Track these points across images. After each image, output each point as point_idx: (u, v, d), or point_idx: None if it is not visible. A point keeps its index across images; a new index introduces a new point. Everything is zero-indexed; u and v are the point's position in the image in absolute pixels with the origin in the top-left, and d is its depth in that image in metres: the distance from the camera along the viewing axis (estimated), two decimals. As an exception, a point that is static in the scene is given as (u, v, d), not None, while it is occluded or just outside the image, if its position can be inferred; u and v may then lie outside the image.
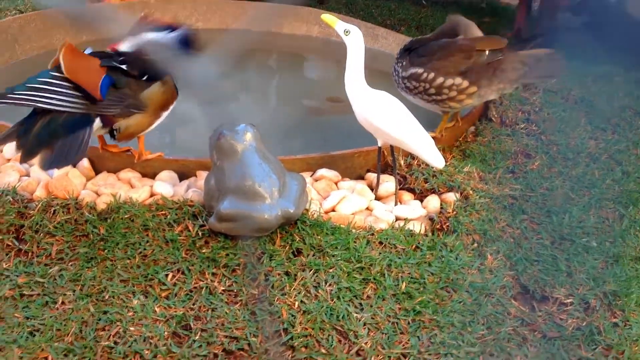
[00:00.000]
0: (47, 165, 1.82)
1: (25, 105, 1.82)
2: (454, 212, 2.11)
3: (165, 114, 2.09)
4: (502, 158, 2.53)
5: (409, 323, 1.73)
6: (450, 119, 2.56)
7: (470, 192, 2.22)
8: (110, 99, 1.90)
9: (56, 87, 1.83)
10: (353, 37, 2.02)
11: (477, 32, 2.51)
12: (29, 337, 1.60)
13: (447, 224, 2.07)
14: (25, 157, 1.81)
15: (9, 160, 2.19)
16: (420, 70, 2.39)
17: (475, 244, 2.03)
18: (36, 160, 1.82)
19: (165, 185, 2.08)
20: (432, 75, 2.37)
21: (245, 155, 1.92)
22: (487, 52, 2.38)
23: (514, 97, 2.95)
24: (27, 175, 2.11)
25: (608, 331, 1.77)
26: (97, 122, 1.91)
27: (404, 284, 1.82)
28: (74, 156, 1.83)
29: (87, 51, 2.00)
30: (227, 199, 1.87)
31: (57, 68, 1.86)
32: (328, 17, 2.08)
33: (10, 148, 2.21)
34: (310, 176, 2.23)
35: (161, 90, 2.04)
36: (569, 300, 1.88)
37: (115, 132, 1.98)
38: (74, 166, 2.13)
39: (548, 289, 1.91)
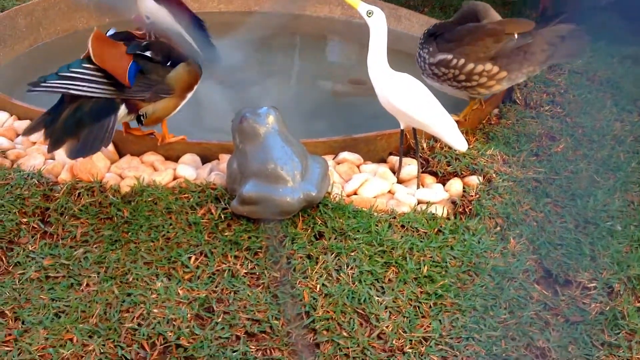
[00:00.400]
0: (73, 155, 1.85)
1: (57, 93, 1.86)
2: (477, 196, 2.10)
3: (189, 95, 2.10)
4: (526, 141, 2.50)
5: (430, 307, 1.73)
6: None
7: (494, 175, 2.21)
8: (139, 85, 1.92)
9: (87, 76, 1.87)
10: (376, 18, 2.00)
11: (495, 15, 2.47)
12: (54, 318, 1.62)
13: (470, 207, 2.07)
14: (53, 147, 1.84)
15: (34, 143, 2.21)
16: (449, 57, 2.36)
17: (498, 228, 2.02)
18: (63, 150, 1.85)
19: (188, 168, 2.10)
20: (462, 61, 2.34)
21: (268, 138, 1.92)
22: (516, 36, 2.34)
23: (539, 79, 2.92)
24: (52, 158, 2.13)
25: (632, 316, 1.76)
26: (123, 109, 1.93)
27: (426, 267, 1.82)
28: (99, 145, 1.86)
29: (111, 32, 2.02)
30: (249, 182, 1.87)
31: (89, 58, 1.89)
32: (351, -2, 2.07)
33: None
34: (333, 159, 2.23)
35: (186, 71, 2.06)
36: (592, 285, 1.86)
37: (142, 117, 2.00)
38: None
39: (571, 273, 1.90)
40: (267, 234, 1.87)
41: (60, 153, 2.10)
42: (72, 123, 1.85)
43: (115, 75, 1.89)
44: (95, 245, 1.83)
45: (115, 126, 1.91)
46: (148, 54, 1.96)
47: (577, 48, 2.45)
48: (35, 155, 2.11)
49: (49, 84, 1.85)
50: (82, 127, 1.85)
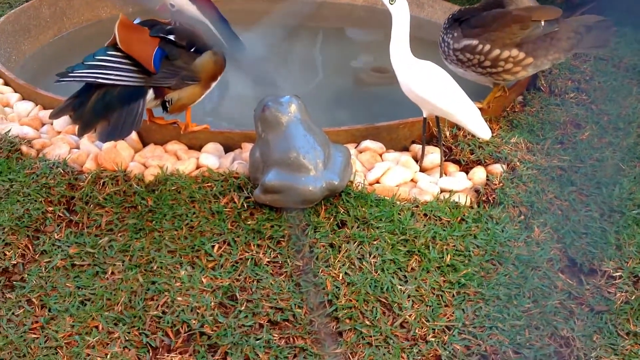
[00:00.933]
0: (104, 138, 1.88)
1: (85, 82, 1.88)
2: (501, 184, 2.09)
3: (214, 84, 2.11)
4: (550, 128, 2.48)
5: (453, 296, 1.73)
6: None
7: (517, 163, 2.19)
8: (164, 71, 1.94)
9: (113, 63, 1.89)
10: (398, 5, 1.99)
11: (522, 1, 2.44)
12: (80, 306, 1.65)
13: (493, 195, 2.05)
14: (83, 130, 1.87)
15: (59, 132, 2.23)
16: (475, 42, 2.34)
17: (522, 216, 2.01)
18: (93, 134, 1.87)
19: (211, 157, 2.10)
20: (487, 47, 2.32)
21: (290, 127, 1.92)
22: (542, 23, 2.32)
23: (564, 66, 2.88)
24: (77, 147, 2.15)
25: (658, 305, 1.74)
26: (150, 94, 1.95)
27: (449, 256, 1.82)
28: (129, 128, 1.88)
29: (136, 21, 2.04)
30: (271, 171, 1.88)
31: (114, 46, 1.91)
32: (373, -14, 2.06)
33: (61, 121, 2.26)
34: (355, 148, 2.23)
35: (212, 60, 2.07)
36: (617, 274, 1.85)
37: (167, 104, 2.02)
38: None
39: (596, 262, 1.88)
40: (289, 223, 1.88)
41: (85, 142, 2.13)
42: (102, 107, 1.86)
43: (141, 61, 1.90)
44: (119, 234, 1.85)
45: (144, 109, 1.93)
46: (172, 37, 1.97)
47: (604, 39, 2.42)
48: (61, 145, 2.13)
49: (76, 74, 1.88)
50: (112, 110, 1.87)
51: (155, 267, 1.75)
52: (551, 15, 2.34)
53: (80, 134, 1.89)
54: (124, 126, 1.87)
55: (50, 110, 2.28)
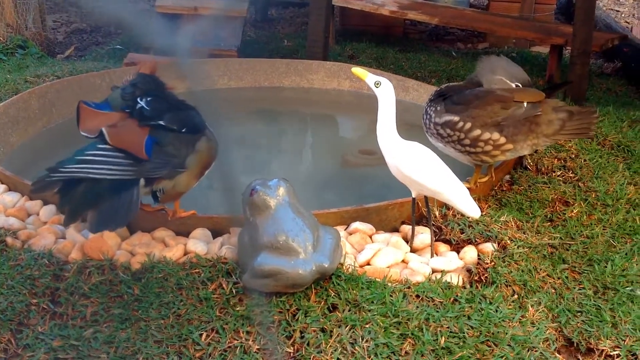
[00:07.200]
0: (96, 228, 1.83)
1: (76, 177, 1.83)
2: (492, 263, 2.07)
3: (207, 172, 2.10)
4: (539, 206, 2.48)
5: (449, 379, 1.68)
6: (485, 171, 2.52)
7: (508, 241, 2.18)
8: (155, 161, 1.91)
9: (104, 157, 1.86)
10: (384, 88, 2.02)
11: (504, 84, 2.43)
12: (64, 401, 1.58)
13: (486, 275, 2.03)
14: (70, 220, 1.83)
15: (45, 223, 2.21)
16: (456, 119, 2.36)
17: (516, 295, 1.98)
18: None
19: (199, 243, 2.08)
20: (468, 125, 2.33)
21: (279, 210, 1.91)
22: (525, 104, 2.33)
23: (549, 145, 2.92)
24: (63, 237, 2.12)
25: (659, 384, 1.70)
26: (142, 182, 1.92)
27: (443, 338, 1.78)
28: (124, 218, 1.84)
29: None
30: (260, 255, 1.85)
31: (102, 139, 1.89)
32: (359, 70, 2.09)
33: (47, 211, 2.24)
34: (345, 230, 2.21)
35: (206, 149, 2.05)
36: (615, 352, 1.81)
37: (157, 193, 1.99)
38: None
39: (593, 340, 1.85)
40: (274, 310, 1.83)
41: (71, 232, 2.11)
42: (92, 197, 1.82)
43: (132, 151, 1.88)
44: (105, 325, 1.80)
45: (139, 198, 1.89)
46: (162, 122, 1.95)
47: (586, 126, 2.38)
48: (46, 235, 2.11)
49: (67, 169, 1.83)
50: (102, 200, 1.82)
51: (141, 359, 1.69)
52: (534, 98, 2.35)
53: (67, 224, 1.86)
54: (117, 215, 1.83)
55: (37, 202, 2.28)
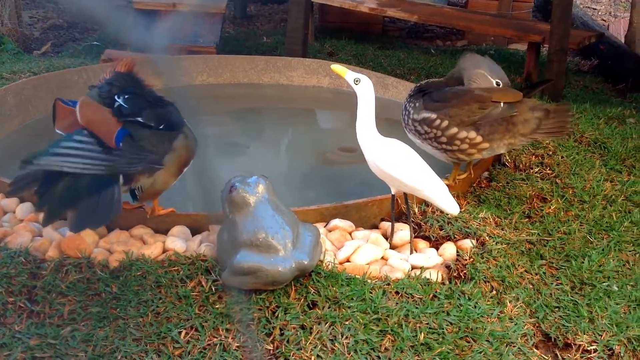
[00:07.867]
0: (76, 227, 1.79)
1: (50, 170, 1.79)
2: (471, 259, 2.08)
3: (186, 169, 2.08)
4: (517, 203, 2.50)
5: (428, 375, 1.69)
6: (464, 168, 2.53)
7: (487, 238, 2.19)
8: (130, 156, 1.88)
9: (78, 150, 1.82)
10: (363, 85, 2.02)
11: (487, 81, 2.44)
12: (41, 400, 1.57)
13: (465, 271, 2.04)
14: (48, 220, 1.79)
15: (21, 220, 2.19)
16: (433, 116, 2.37)
17: (494, 291, 1.99)
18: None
19: (178, 241, 2.07)
20: (445, 123, 2.34)
21: (258, 208, 1.91)
22: (502, 104, 2.34)
23: (526, 144, 2.93)
24: (40, 235, 2.10)
25: (635, 378, 1.72)
26: (120, 179, 1.90)
27: (423, 334, 1.78)
28: (106, 216, 1.81)
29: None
30: (240, 252, 1.84)
31: (79, 131, 1.85)
32: (338, 67, 2.09)
33: (23, 209, 2.22)
34: (324, 227, 2.21)
35: (184, 146, 2.03)
36: (592, 347, 1.83)
37: (136, 192, 1.97)
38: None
39: (570, 335, 1.86)
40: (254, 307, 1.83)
41: (48, 230, 2.08)
42: (71, 195, 1.78)
43: (102, 137, 1.84)
44: (82, 323, 1.78)
45: (120, 195, 1.85)
46: (140, 119, 1.92)
47: (561, 125, 2.39)
48: (23, 233, 2.08)
49: (41, 162, 1.78)
50: (82, 198, 1.78)
51: (119, 357, 1.68)
52: (511, 98, 2.36)
53: (45, 224, 1.83)
54: (98, 214, 1.79)
55: (13, 199, 2.25)
